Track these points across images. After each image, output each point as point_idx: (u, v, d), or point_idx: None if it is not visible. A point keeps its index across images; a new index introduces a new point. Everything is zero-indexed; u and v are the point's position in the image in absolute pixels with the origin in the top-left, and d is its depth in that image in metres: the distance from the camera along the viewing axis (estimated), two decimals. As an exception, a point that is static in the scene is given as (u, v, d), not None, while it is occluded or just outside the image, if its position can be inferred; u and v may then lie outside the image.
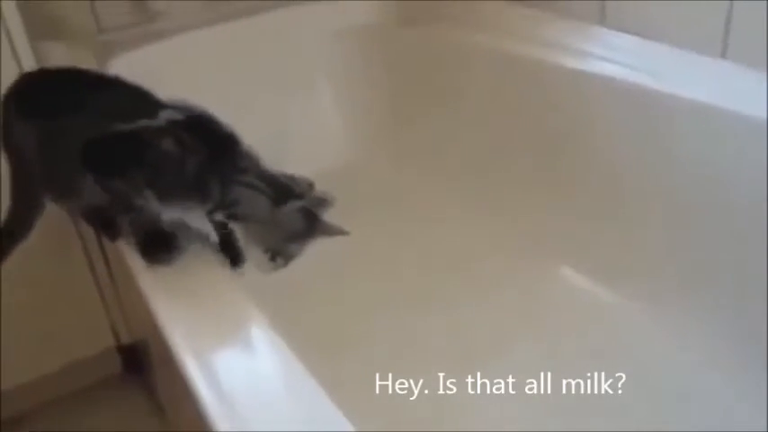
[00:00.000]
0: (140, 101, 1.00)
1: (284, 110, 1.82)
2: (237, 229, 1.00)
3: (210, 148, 0.96)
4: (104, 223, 1.08)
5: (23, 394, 1.47)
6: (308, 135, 1.85)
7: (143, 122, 0.94)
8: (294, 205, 0.99)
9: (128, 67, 1.60)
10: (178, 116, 0.96)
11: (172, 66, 1.66)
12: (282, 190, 0.98)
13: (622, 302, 1.43)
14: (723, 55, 1.27)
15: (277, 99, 1.79)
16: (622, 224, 1.43)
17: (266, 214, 0.98)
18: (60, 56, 1.47)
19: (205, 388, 0.81)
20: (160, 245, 1.00)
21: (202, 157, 0.95)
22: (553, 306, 1.46)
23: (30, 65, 1.26)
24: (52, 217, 1.33)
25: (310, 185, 1.02)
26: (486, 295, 1.48)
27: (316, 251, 1.05)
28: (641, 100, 1.34)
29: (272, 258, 1.01)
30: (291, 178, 1.01)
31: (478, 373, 1.29)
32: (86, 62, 1.50)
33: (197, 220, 0.98)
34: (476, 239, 1.63)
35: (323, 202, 1.03)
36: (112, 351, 1.56)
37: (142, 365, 1.54)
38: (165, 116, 0.95)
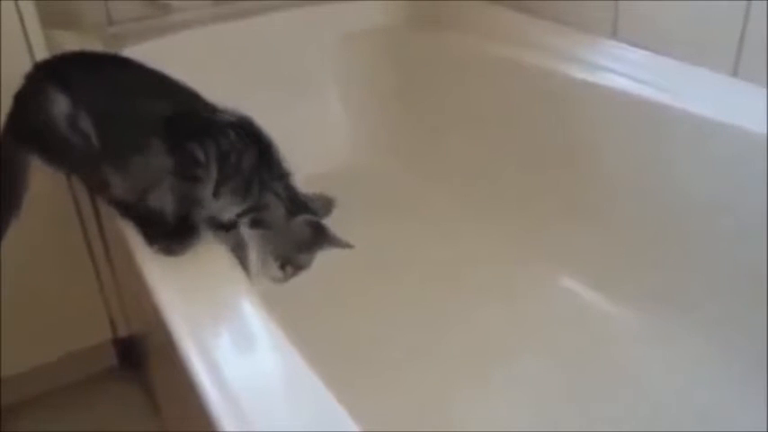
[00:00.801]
0: (195, 98, 1.06)
1: (290, 110, 1.81)
2: (254, 236, 1.02)
3: (259, 152, 1.00)
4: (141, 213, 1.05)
5: (18, 385, 1.45)
6: (314, 136, 1.85)
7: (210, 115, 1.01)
8: (305, 218, 1.01)
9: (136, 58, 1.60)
10: (233, 118, 1.01)
11: (179, 60, 1.63)
12: (298, 203, 1.01)
13: (620, 311, 1.44)
14: (734, 73, 1.28)
15: (283, 99, 1.77)
16: (622, 234, 1.44)
17: (281, 223, 1.01)
18: (70, 45, 1.46)
19: (209, 385, 0.80)
20: (179, 234, 1.00)
21: (254, 159, 0.99)
22: (552, 315, 1.47)
23: (42, 53, 1.26)
24: (52, 206, 1.34)
25: (329, 202, 1.06)
26: (488, 303, 1.48)
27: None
28: (648, 113, 1.35)
29: (282, 267, 1.03)
30: (307, 196, 1.04)
31: (479, 384, 1.30)
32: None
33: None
34: (478, 245, 1.63)
35: (329, 205, 1.06)
36: (109, 344, 1.55)
37: (139, 360, 1.53)
38: (225, 116, 1.01)
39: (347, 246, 1.04)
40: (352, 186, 1.81)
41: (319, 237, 1.02)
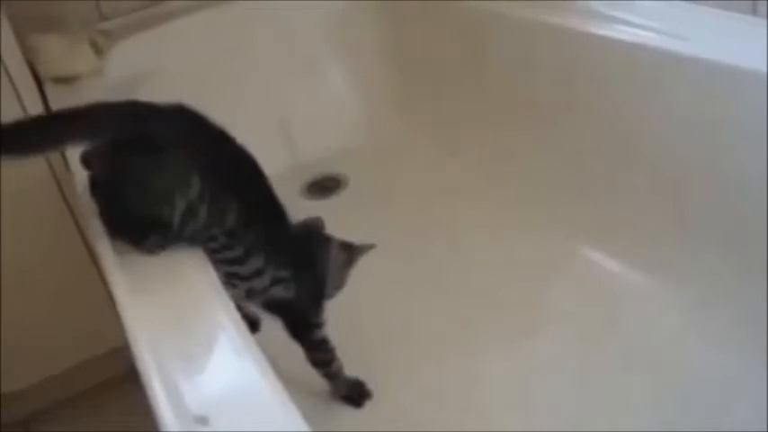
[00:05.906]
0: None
1: (292, 91, 1.76)
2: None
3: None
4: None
5: (31, 397, 1.45)
6: (321, 116, 1.81)
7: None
8: (336, 243, 1.14)
9: (129, 54, 1.55)
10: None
11: (173, 50, 1.61)
12: (321, 236, 1.14)
13: (641, 280, 1.37)
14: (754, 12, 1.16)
15: (284, 80, 1.74)
16: (639, 204, 1.37)
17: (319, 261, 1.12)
18: (53, 47, 1.42)
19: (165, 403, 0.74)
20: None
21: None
22: (572, 286, 1.40)
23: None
24: (52, 216, 1.32)
25: (318, 220, 1.16)
26: (506, 274, 1.43)
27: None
28: (665, 64, 1.25)
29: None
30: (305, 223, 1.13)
31: (502, 360, 1.27)
32: (81, 51, 1.45)
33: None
34: (495, 215, 1.57)
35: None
36: (119, 350, 1.51)
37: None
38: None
39: (371, 247, 1.15)
40: (368, 163, 1.76)
41: (351, 254, 1.15)
